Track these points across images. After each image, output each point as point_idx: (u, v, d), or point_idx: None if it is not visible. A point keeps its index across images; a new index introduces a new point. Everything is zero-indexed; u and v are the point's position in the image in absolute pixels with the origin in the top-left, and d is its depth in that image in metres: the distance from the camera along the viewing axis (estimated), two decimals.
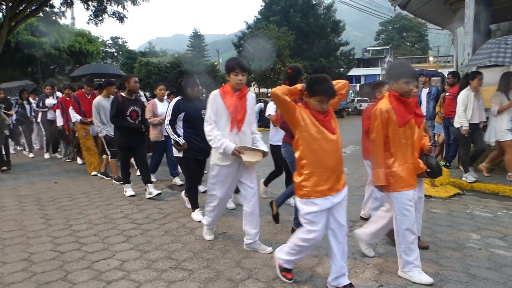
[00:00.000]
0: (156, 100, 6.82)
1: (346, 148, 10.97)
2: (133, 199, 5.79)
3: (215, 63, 40.94)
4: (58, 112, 8.77)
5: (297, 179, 2.93)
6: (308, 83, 2.86)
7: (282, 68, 30.37)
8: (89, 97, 7.66)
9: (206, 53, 51.75)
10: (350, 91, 39.11)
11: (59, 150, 10.18)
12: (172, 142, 4.69)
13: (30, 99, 10.82)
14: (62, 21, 27.76)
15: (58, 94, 10.53)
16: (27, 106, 10.56)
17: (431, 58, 56.88)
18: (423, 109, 8.14)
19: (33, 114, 10.52)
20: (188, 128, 4.66)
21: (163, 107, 6.60)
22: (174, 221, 4.78)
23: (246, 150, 3.60)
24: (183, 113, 4.67)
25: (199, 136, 4.51)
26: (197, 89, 4.89)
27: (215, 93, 3.68)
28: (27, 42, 27.63)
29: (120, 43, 51.52)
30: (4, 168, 8.10)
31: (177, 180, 6.75)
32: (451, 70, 9.96)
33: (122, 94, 5.85)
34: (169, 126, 4.65)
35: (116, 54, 48.91)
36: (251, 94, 3.81)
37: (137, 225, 4.64)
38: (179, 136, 4.61)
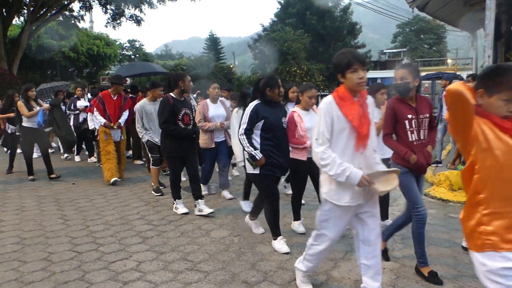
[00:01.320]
0: (208, 101, 5.89)
1: None
2: (149, 201, 5.84)
3: (231, 66, 41.10)
4: (89, 115, 8.21)
5: (469, 222, 1.95)
6: (487, 74, 1.94)
7: (298, 71, 30.36)
8: (115, 98, 6.99)
9: (222, 56, 51.90)
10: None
11: (95, 155, 9.58)
12: (247, 156, 3.89)
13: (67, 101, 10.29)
14: (81, 24, 28.22)
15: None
16: (62, 108, 9.89)
17: (449, 61, 56.01)
18: (444, 112, 8.05)
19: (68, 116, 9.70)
20: (267, 139, 3.83)
21: (216, 110, 5.85)
22: (189, 222, 4.80)
23: (377, 176, 2.66)
24: (262, 121, 3.80)
25: (279, 149, 3.85)
26: (278, 92, 3.96)
27: (329, 100, 2.69)
28: (47, 45, 28.22)
29: (137, 46, 52.13)
30: (32, 177, 7.53)
31: (226, 194, 5.99)
32: (470, 72, 9.80)
33: (173, 95, 5.00)
34: (245, 137, 3.79)
35: (133, 57, 49.51)
36: (370, 98, 2.84)
37: (153, 226, 4.67)
38: (255, 148, 3.79)
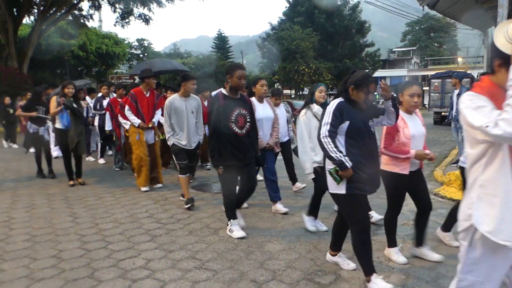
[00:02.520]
0: (254, 99, 5.03)
1: None
2: (157, 199, 5.86)
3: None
4: (108, 115, 7.81)
5: None
6: None
7: (307, 70, 30.31)
8: (147, 95, 6.35)
9: (230, 55, 51.94)
10: (375, 93, 38.55)
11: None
12: (329, 167, 3.02)
13: (88, 98, 9.64)
14: (90, 23, 28.43)
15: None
16: (84, 107, 9.32)
17: (460, 59, 55.51)
18: (454, 110, 7.99)
19: (90, 115, 9.26)
20: (353, 146, 3.02)
21: (264, 110, 5.11)
22: (198, 221, 4.81)
23: None
24: (347, 123, 3.00)
25: (369, 159, 3.04)
26: (367, 90, 3.08)
27: None
28: (57, 44, 28.42)
29: (146, 44, 52.40)
30: (72, 182, 6.81)
31: (280, 207, 5.11)
32: (481, 71, 9.70)
33: (224, 91, 4.21)
34: (330, 139, 2.98)
35: (141, 55, 49.76)
36: None
37: (162, 224, 4.69)
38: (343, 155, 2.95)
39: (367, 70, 38.40)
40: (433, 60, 63.17)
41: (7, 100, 13.29)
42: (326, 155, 3.01)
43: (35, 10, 22.96)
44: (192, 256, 3.73)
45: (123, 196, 6.08)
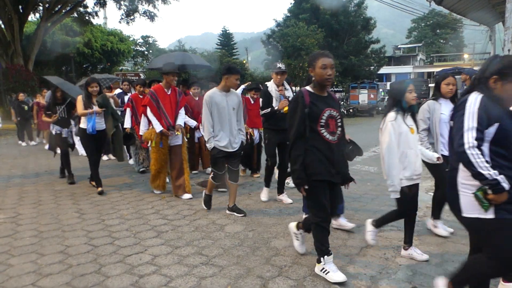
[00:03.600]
0: (308, 89, 3.77)
1: (376, 148, 10.78)
2: (163, 195, 5.87)
3: (244, 61, 41.09)
4: (128, 111, 6.97)
5: None
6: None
7: None
8: (169, 93, 5.69)
9: (235, 51, 51.93)
10: (381, 90, 38.45)
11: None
12: (476, 190, 2.32)
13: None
14: (95, 20, 28.53)
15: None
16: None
17: (466, 56, 55.13)
18: None
19: None
20: (503, 157, 2.32)
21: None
22: (204, 217, 4.81)
23: None
24: (495, 126, 2.28)
25: None
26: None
27: None
28: (62, 41, 28.55)
29: (151, 41, 52.42)
30: (100, 189, 6.12)
31: (346, 223, 4.35)
32: None
33: (309, 89, 3.25)
34: (477, 151, 2.26)
35: (146, 52, 49.81)
36: None
37: (168, 221, 4.70)
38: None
39: (372, 67, 38.30)
40: (439, 57, 62.82)
41: (22, 96, 13.01)
42: (473, 171, 2.26)
43: (41, 8, 23.06)
44: (199, 252, 3.74)
45: (129, 193, 6.10)
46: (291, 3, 40.21)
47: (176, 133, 5.64)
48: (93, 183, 6.38)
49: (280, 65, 5.20)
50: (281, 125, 5.07)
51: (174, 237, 4.15)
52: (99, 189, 6.08)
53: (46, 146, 10.86)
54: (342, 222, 4.34)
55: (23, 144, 12.55)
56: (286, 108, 4.65)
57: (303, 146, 3.14)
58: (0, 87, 20.25)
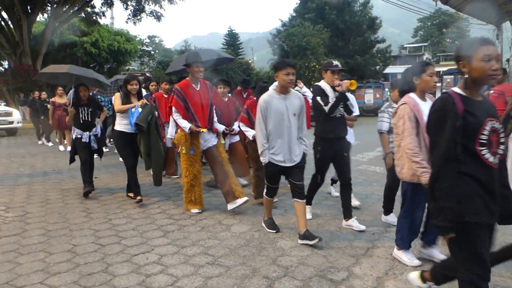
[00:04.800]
0: (413, 96, 3.29)
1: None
2: (169, 195, 5.90)
3: (250, 61, 41.08)
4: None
5: None
6: None
7: (317, 66, 30.16)
8: (198, 89, 4.92)
9: (241, 51, 51.90)
10: (386, 89, 38.32)
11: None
12: None
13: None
14: (102, 20, 28.67)
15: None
16: None
17: None
18: None
19: None
20: None
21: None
22: (210, 217, 4.83)
23: None
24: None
25: None
26: None
27: None
28: (69, 41, 28.73)
29: (157, 41, 52.64)
30: (139, 198, 5.42)
31: (437, 254, 3.58)
32: None
33: (459, 92, 2.28)
34: None
35: (152, 52, 49.99)
36: None
37: (174, 220, 4.72)
38: None
39: (378, 67, 38.14)
40: (445, 56, 62.41)
41: (44, 95, 12.70)
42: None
43: (49, 8, 23.22)
44: (205, 252, 3.75)
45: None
46: (296, 3, 40.18)
47: (203, 130, 4.83)
48: (131, 194, 5.64)
49: (337, 62, 4.42)
50: (339, 132, 4.35)
51: (181, 236, 4.17)
52: (138, 198, 5.39)
53: (60, 147, 10.87)
54: (434, 253, 3.62)
55: (46, 143, 12.31)
56: (351, 82, 4.15)
57: (455, 173, 2.19)
58: (9, 86, 20.42)
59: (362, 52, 36.27)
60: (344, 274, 3.29)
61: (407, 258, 3.47)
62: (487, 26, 14.24)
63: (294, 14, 39.41)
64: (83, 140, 5.85)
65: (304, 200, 3.99)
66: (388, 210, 4.58)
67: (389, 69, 45.00)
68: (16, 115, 15.33)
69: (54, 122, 10.80)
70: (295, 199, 3.96)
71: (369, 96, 30.46)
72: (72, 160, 6.06)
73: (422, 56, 60.73)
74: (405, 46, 68.38)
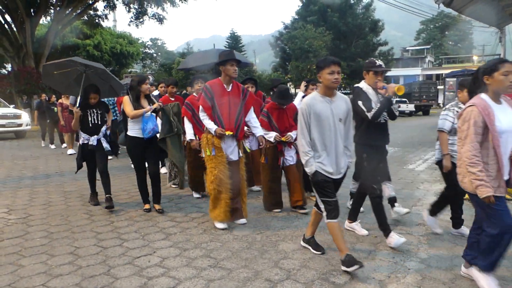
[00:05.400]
0: (484, 97, 2.89)
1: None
2: (171, 198, 5.89)
3: (252, 63, 41.10)
4: (186, 121, 5.30)
5: None
6: None
7: None
8: (229, 90, 4.50)
9: (243, 54, 51.97)
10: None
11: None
12: None
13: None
14: (105, 23, 28.78)
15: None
16: None
17: (475, 58, 54.67)
18: None
19: None
20: None
21: (506, 115, 2.87)
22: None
23: None
24: None
25: None
26: None
27: None
28: (72, 44, 28.82)
29: (159, 44, 52.77)
30: (147, 206, 5.25)
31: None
32: None
33: None
34: None
35: (155, 55, 50.12)
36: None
37: (176, 223, 4.71)
38: None
39: None
40: (447, 59, 62.38)
41: (54, 98, 12.50)
42: None
43: (52, 11, 23.32)
44: (207, 255, 3.75)
45: (138, 195, 6.08)
46: (299, 6, 40.26)
47: (227, 133, 4.41)
48: (147, 206, 5.24)
49: (380, 61, 4.06)
50: (383, 139, 4.09)
51: (183, 239, 4.17)
52: (146, 206, 5.22)
53: (69, 151, 10.73)
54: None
55: (51, 146, 12.23)
56: (399, 87, 3.78)
57: None
58: (12, 89, 20.50)
59: (364, 54, 36.31)
60: (346, 277, 3.27)
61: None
62: (489, 29, 14.22)
63: (296, 17, 39.51)
64: (90, 143, 5.27)
65: (335, 220, 3.40)
66: (433, 212, 4.28)
67: (392, 72, 44.99)
68: (25, 118, 15.30)
69: (61, 124, 10.80)
70: (329, 220, 3.40)
71: None
72: (79, 167, 5.50)
73: (425, 58, 60.72)
74: (407, 48, 68.41)
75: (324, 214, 3.43)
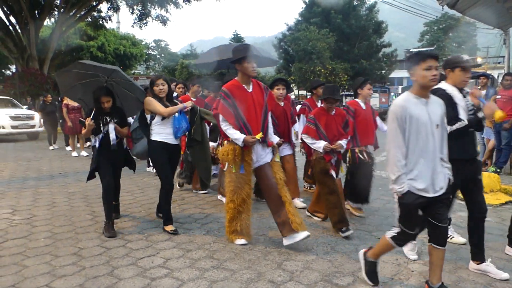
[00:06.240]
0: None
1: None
2: (175, 199, 5.90)
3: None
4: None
5: None
6: None
7: (323, 70, 30.18)
8: (250, 90, 3.98)
9: None
10: (392, 94, 38.22)
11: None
12: None
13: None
14: (108, 25, 28.91)
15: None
16: None
17: (479, 59, 54.44)
18: None
19: None
20: None
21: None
22: (215, 221, 4.83)
23: None
24: None
25: None
26: None
27: None
28: (76, 45, 28.95)
29: (163, 45, 52.92)
30: (172, 229, 4.42)
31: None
32: (502, 71, 9.55)
33: None
34: None
35: (158, 56, 50.27)
36: None
37: (180, 224, 4.72)
38: None
39: (383, 71, 38.08)
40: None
41: (66, 99, 12.27)
42: None
43: (56, 12, 23.44)
44: (210, 256, 3.75)
45: (141, 195, 6.14)
46: (302, 7, 40.25)
47: (257, 137, 3.84)
48: (172, 227, 4.46)
49: (467, 57, 3.41)
50: (471, 151, 3.39)
51: (186, 240, 4.17)
52: (170, 228, 4.41)
53: (73, 153, 10.63)
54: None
55: (68, 148, 11.76)
56: (500, 115, 3.18)
57: None
58: (16, 90, 20.61)
59: (367, 56, 36.24)
60: (349, 279, 3.27)
61: None
62: (494, 31, 14.19)
63: (299, 18, 39.47)
64: (92, 145, 4.56)
65: (445, 247, 2.87)
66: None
67: (395, 74, 44.90)
68: (38, 119, 14.48)
69: (67, 126, 10.54)
70: (433, 244, 2.89)
71: (375, 101, 30.36)
72: (91, 176, 4.60)
73: None
74: (411, 50, 68.20)
75: (391, 235, 2.99)
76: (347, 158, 4.85)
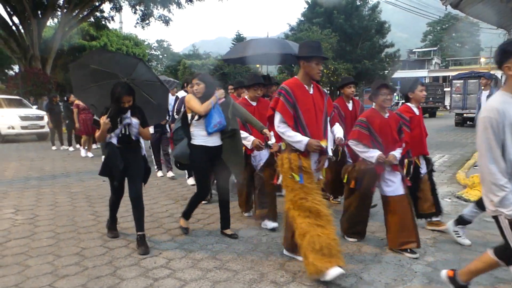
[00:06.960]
0: None
1: None
2: (177, 199, 5.90)
3: (257, 66, 41.12)
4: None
5: None
6: None
7: (325, 71, 30.14)
8: (311, 92, 3.49)
9: None
10: (395, 94, 38.19)
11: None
12: None
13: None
14: (111, 25, 28.93)
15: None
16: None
17: (482, 59, 54.33)
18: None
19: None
20: None
21: None
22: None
23: None
24: None
25: None
26: None
27: None
28: (79, 46, 29.02)
29: (165, 45, 52.97)
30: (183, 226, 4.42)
31: None
32: None
33: None
34: None
35: (161, 56, 50.33)
36: None
37: None
38: None
39: (386, 71, 38.03)
40: (454, 61, 62.11)
41: (73, 97, 11.10)
42: None
43: (59, 13, 23.49)
44: (213, 256, 3.74)
45: (143, 196, 6.09)
46: (304, 8, 40.23)
47: (324, 144, 3.35)
48: (228, 231, 4.33)
49: None
50: None
51: (188, 241, 4.17)
52: (182, 222, 4.43)
53: (82, 153, 10.54)
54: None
55: (71, 149, 11.88)
56: None
57: None
58: (19, 90, 20.67)
59: (370, 56, 36.19)
60: (352, 279, 3.26)
61: None
62: (497, 30, 14.14)
63: (302, 19, 39.45)
64: (107, 141, 3.95)
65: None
66: None
67: (398, 74, 44.81)
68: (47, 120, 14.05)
69: (79, 126, 10.33)
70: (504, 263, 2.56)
71: None
72: (104, 173, 4.06)
73: (431, 60, 60.48)
74: (414, 50, 68.13)
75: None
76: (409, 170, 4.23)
